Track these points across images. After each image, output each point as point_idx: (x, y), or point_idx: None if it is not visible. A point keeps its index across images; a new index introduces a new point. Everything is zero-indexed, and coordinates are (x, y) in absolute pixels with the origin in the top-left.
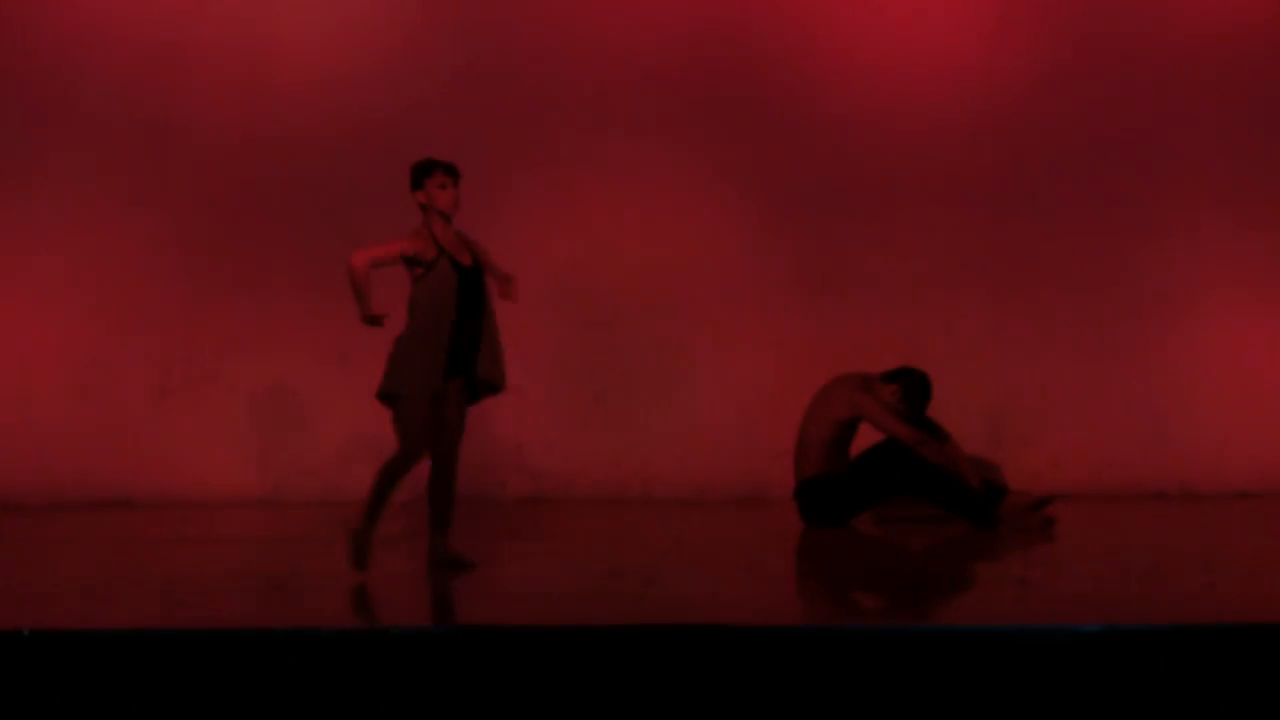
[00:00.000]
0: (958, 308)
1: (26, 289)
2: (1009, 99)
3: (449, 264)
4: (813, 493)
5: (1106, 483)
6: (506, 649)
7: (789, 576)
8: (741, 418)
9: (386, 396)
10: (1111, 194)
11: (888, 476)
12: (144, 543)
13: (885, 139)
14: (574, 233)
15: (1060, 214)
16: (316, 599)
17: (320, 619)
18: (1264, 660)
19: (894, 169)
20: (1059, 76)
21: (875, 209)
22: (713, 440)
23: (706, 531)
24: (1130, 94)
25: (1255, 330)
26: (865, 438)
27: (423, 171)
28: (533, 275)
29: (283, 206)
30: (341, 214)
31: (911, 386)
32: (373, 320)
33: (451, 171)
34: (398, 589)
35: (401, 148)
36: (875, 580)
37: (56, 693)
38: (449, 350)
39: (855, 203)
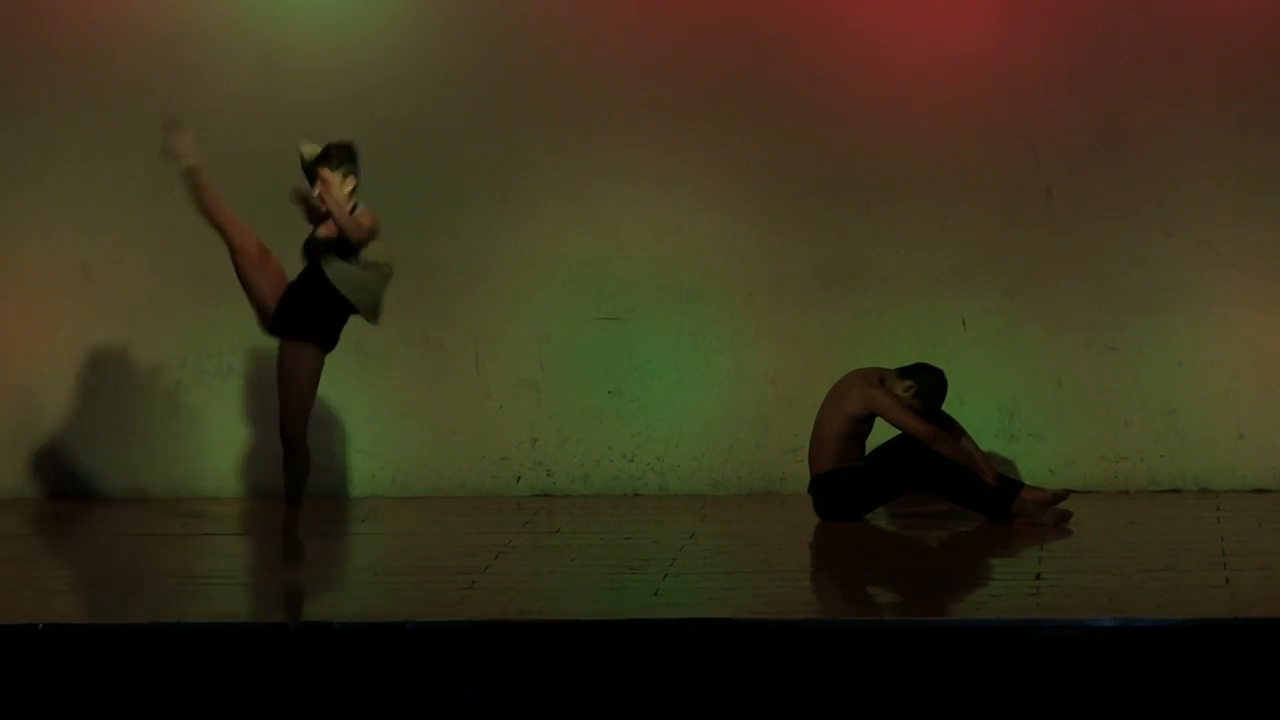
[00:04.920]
0: (972, 302)
1: (41, 282)
2: (1025, 93)
3: None
4: (827, 487)
5: (1121, 478)
6: (522, 643)
7: (803, 570)
8: (756, 412)
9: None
10: (1127, 189)
11: (903, 472)
12: (159, 537)
13: (900, 133)
14: (587, 228)
15: (1075, 209)
16: (332, 593)
17: (335, 613)
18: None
19: (909, 163)
20: (1075, 71)
21: (890, 203)
22: (727, 435)
23: (721, 526)
24: (1147, 88)
25: (1271, 326)
26: (881, 433)
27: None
28: (547, 270)
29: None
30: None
31: (926, 383)
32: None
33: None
34: (411, 584)
35: (415, 141)
36: (890, 575)
37: (71, 687)
38: None
39: (870, 197)
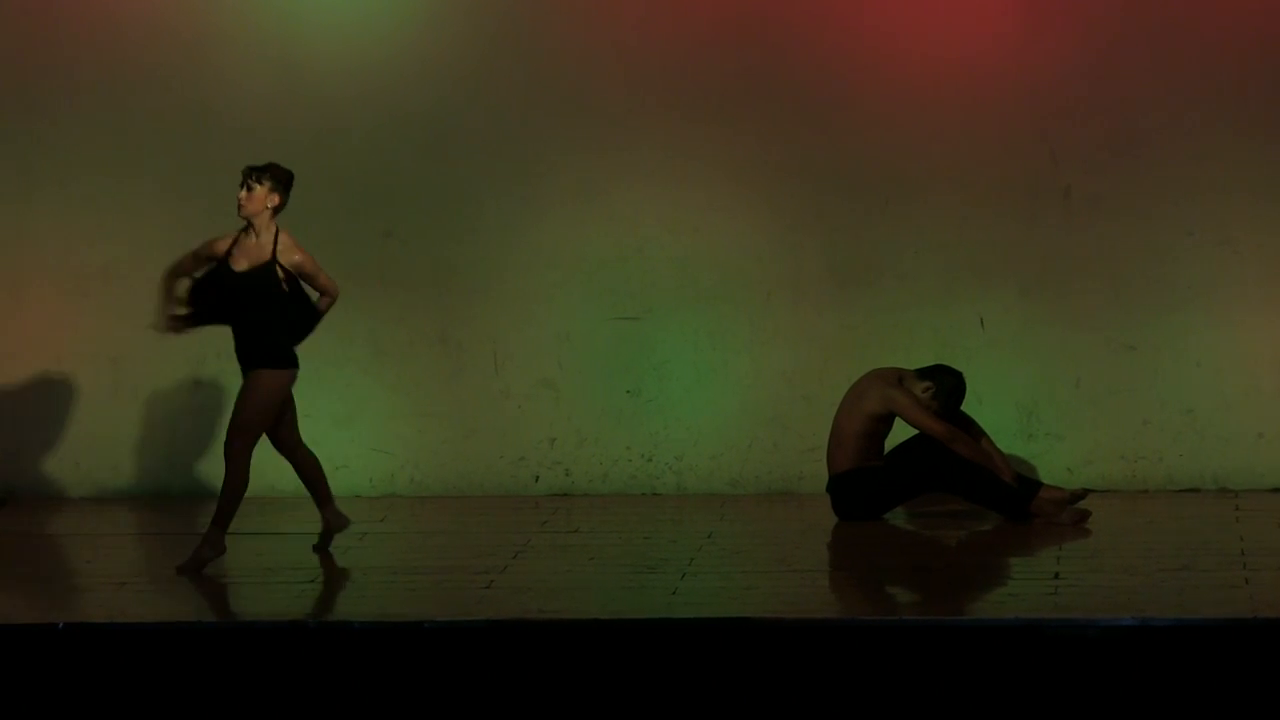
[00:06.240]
0: (990, 302)
1: (61, 282)
2: (1043, 93)
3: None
4: (846, 486)
5: (1140, 477)
6: (541, 643)
7: (822, 570)
8: (774, 412)
9: None
10: (1145, 188)
11: (921, 471)
12: (178, 536)
13: (917, 133)
14: (605, 228)
15: (1094, 208)
16: (350, 592)
17: (354, 613)
18: None
19: (926, 163)
20: (1093, 70)
21: (908, 203)
22: (746, 434)
23: (739, 525)
24: (1166, 87)
25: None
26: (900, 433)
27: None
28: (565, 270)
29: (315, 197)
30: (374, 205)
31: (945, 384)
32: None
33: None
34: (430, 583)
35: (433, 141)
36: (908, 574)
37: (91, 686)
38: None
39: (888, 196)
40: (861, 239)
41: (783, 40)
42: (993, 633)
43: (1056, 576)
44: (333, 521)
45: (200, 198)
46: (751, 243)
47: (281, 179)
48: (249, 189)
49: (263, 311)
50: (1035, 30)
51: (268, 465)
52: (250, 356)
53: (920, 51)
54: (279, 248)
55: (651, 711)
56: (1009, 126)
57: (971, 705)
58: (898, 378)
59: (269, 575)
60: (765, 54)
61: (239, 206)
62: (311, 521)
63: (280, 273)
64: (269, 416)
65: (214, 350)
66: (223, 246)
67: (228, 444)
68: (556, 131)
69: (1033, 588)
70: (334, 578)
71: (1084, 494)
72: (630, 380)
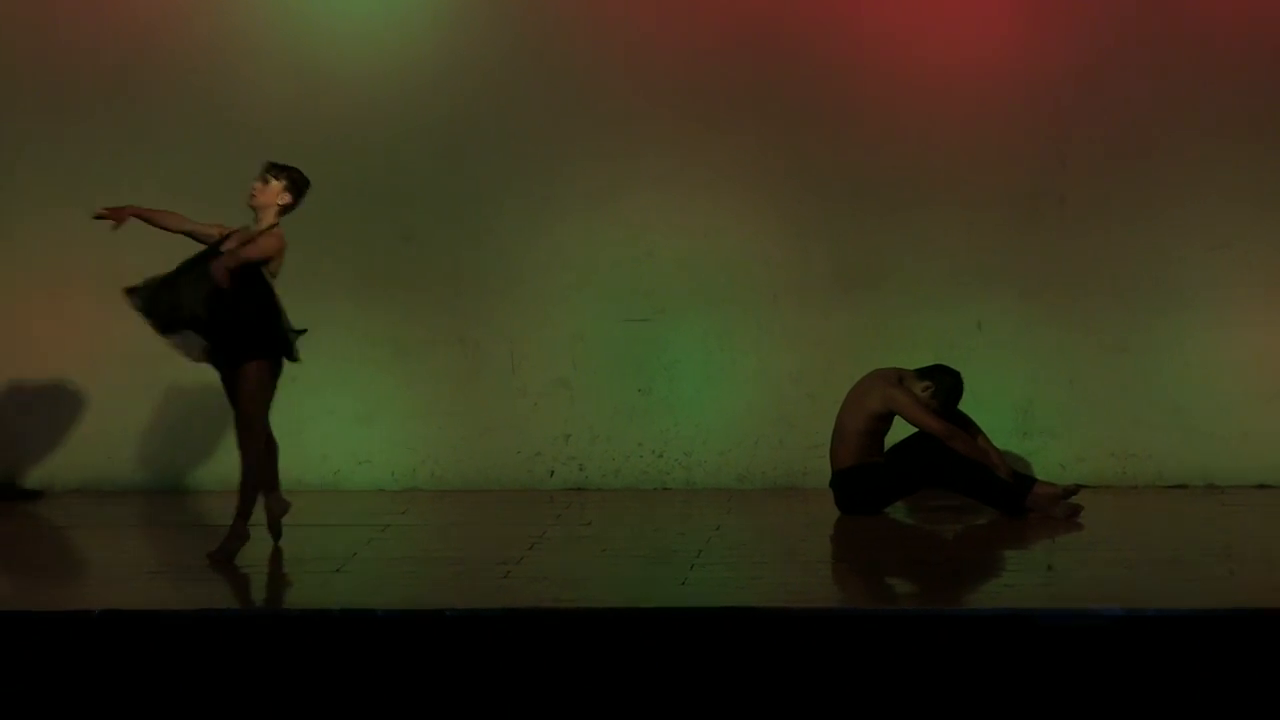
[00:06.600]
0: (989, 305)
1: (94, 286)
2: (1042, 102)
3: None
4: (848, 482)
5: (1130, 474)
6: (555, 630)
7: (825, 561)
8: (780, 410)
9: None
10: (1141, 195)
11: (920, 467)
12: (208, 528)
13: (922, 140)
14: (618, 232)
15: (1090, 215)
16: (374, 582)
17: (377, 601)
18: None
19: (930, 170)
20: (1092, 76)
21: (912, 209)
22: (752, 431)
23: (746, 519)
24: (1163, 95)
25: (1276, 326)
26: (901, 430)
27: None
28: (579, 273)
29: (333, 200)
30: (393, 209)
31: (943, 383)
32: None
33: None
34: (450, 573)
35: (451, 147)
36: (908, 566)
37: (124, 671)
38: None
39: (892, 202)
40: (866, 244)
41: (791, 49)
42: (988, 622)
43: (1050, 569)
44: (275, 508)
45: (229, 207)
46: (759, 247)
47: (298, 182)
48: (265, 181)
49: (239, 290)
50: (1036, 37)
51: (294, 460)
52: (238, 348)
53: (924, 60)
54: (262, 233)
55: (661, 696)
56: (1010, 134)
57: (968, 692)
58: (898, 377)
59: (296, 565)
60: (773, 62)
61: (251, 196)
62: (336, 514)
63: None
64: (267, 404)
65: None
66: (225, 231)
67: (239, 439)
68: (571, 138)
69: (1027, 579)
70: (358, 568)
71: (1076, 489)
72: (642, 379)
